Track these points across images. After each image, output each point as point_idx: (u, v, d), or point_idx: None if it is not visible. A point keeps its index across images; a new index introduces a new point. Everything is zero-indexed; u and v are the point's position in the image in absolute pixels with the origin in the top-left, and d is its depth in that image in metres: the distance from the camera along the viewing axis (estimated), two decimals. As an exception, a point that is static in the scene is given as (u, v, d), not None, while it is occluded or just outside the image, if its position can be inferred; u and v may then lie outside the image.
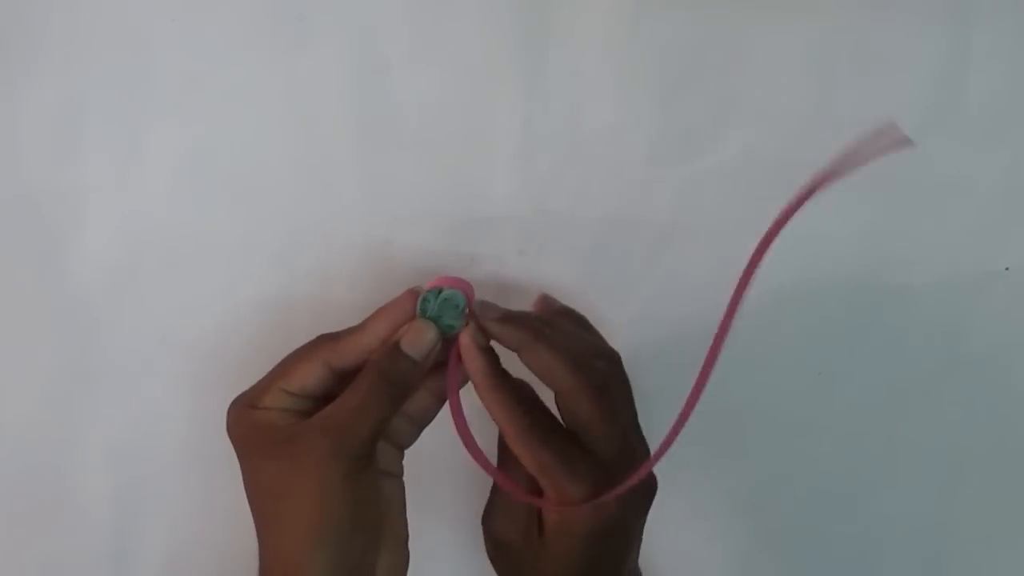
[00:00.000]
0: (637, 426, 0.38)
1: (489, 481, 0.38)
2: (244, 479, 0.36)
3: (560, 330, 0.38)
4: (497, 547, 0.38)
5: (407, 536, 0.38)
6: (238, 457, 0.36)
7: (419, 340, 0.36)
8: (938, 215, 0.43)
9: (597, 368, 0.37)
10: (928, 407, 0.45)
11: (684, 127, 0.43)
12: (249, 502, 0.36)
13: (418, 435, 0.39)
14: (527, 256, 0.44)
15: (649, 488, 0.37)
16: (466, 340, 0.36)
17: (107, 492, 0.46)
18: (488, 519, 0.38)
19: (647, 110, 0.42)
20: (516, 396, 0.36)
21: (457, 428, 0.37)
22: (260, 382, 0.37)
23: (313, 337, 0.37)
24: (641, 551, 0.38)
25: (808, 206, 0.43)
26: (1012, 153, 0.43)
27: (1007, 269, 0.44)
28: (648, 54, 0.42)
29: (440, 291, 0.36)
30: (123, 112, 0.42)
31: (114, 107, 0.42)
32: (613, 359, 0.38)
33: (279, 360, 0.37)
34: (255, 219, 0.43)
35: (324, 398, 0.36)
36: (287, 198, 0.43)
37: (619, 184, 0.43)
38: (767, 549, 0.47)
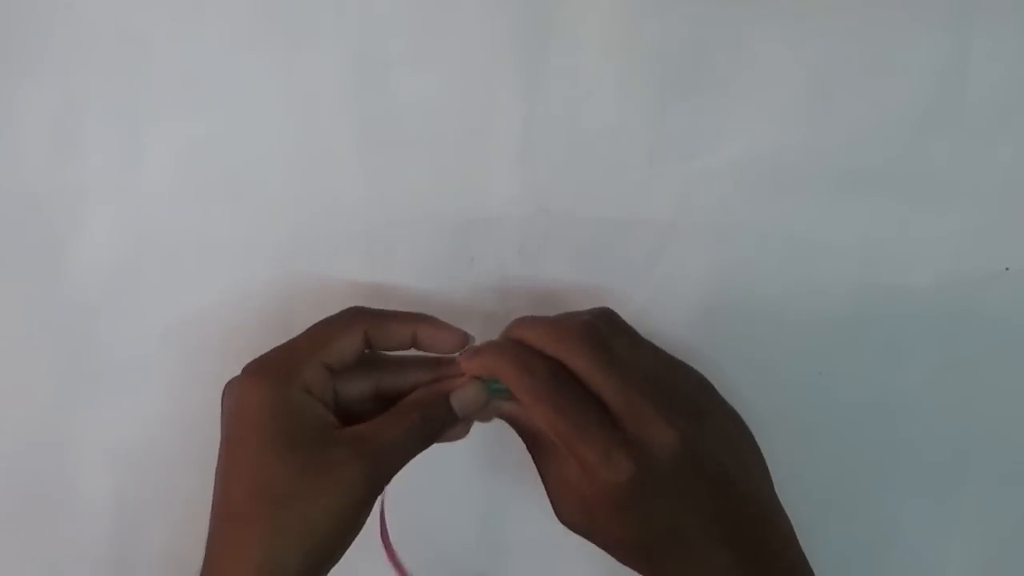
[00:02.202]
0: (662, 375, 0.37)
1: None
2: (237, 466, 0.34)
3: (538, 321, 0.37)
4: (580, 534, 0.37)
5: None
6: (239, 438, 0.34)
7: (471, 402, 0.36)
8: (938, 215, 0.43)
9: (581, 321, 0.36)
10: (928, 407, 0.45)
11: (684, 127, 0.42)
12: (226, 492, 0.34)
13: None
14: (527, 256, 0.44)
15: (707, 429, 0.36)
16: (506, 409, 0.37)
17: (107, 492, 0.46)
18: (558, 515, 0.37)
19: (647, 110, 0.42)
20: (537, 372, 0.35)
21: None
22: (291, 350, 0.36)
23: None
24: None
25: (807, 206, 0.43)
26: (1012, 153, 0.43)
27: (1007, 269, 0.44)
28: (648, 54, 0.42)
29: None
30: (123, 112, 0.42)
31: (114, 107, 0.42)
32: (600, 312, 0.38)
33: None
34: (255, 219, 0.43)
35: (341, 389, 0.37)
36: (287, 198, 0.43)
37: (619, 184, 0.43)
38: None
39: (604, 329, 0.36)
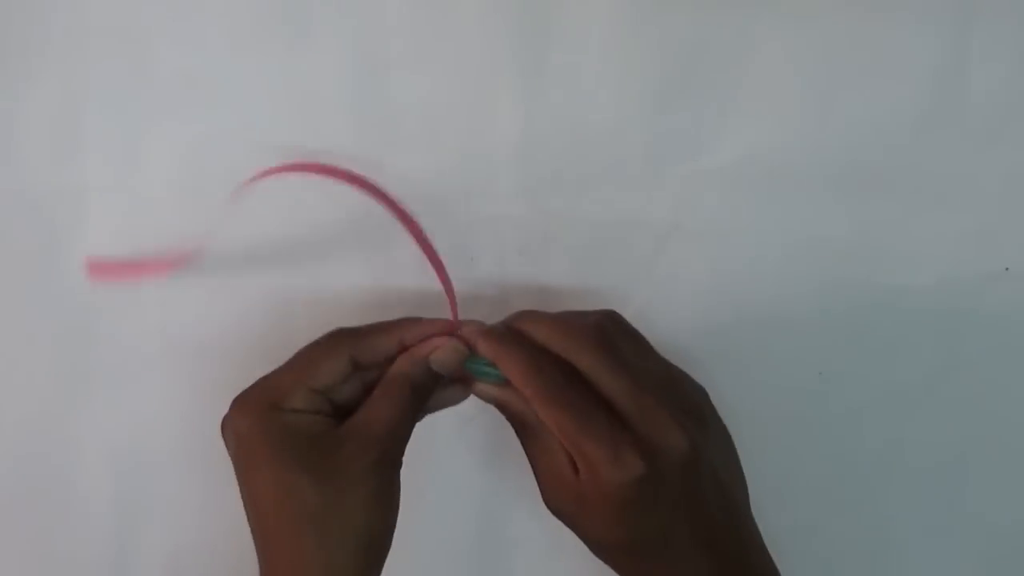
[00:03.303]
0: (669, 380, 0.37)
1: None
2: (260, 494, 0.34)
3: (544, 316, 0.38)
4: (564, 521, 0.37)
5: None
6: (250, 468, 0.35)
7: (451, 360, 0.37)
8: (938, 215, 0.43)
9: (589, 322, 0.36)
10: (928, 407, 0.45)
11: (684, 127, 0.43)
12: (261, 520, 0.35)
13: None
14: (527, 256, 0.44)
15: (707, 432, 0.36)
16: (495, 395, 0.37)
17: (107, 492, 0.46)
18: (545, 500, 0.37)
19: (647, 110, 0.42)
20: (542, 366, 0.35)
21: None
22: (278, 380, 0.36)
23: (314, 334, 0.37)
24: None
25: (807, 206, 0.43)
26: (1012, 153, 0.43)
27: (1007, 269, 0.44)
28: (648, 54, 0.42)
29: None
30: (123, 112, 0.42)
31: (114, 107, 0.42)
32: (608, 314, 0.38)
33: (288, 356, 0.37)
34: (255, 219, 0.43)
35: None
36: (287, 198, 0.43)
37: (619, 184, 0.43)
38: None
39: (612, 330, 0.36)
